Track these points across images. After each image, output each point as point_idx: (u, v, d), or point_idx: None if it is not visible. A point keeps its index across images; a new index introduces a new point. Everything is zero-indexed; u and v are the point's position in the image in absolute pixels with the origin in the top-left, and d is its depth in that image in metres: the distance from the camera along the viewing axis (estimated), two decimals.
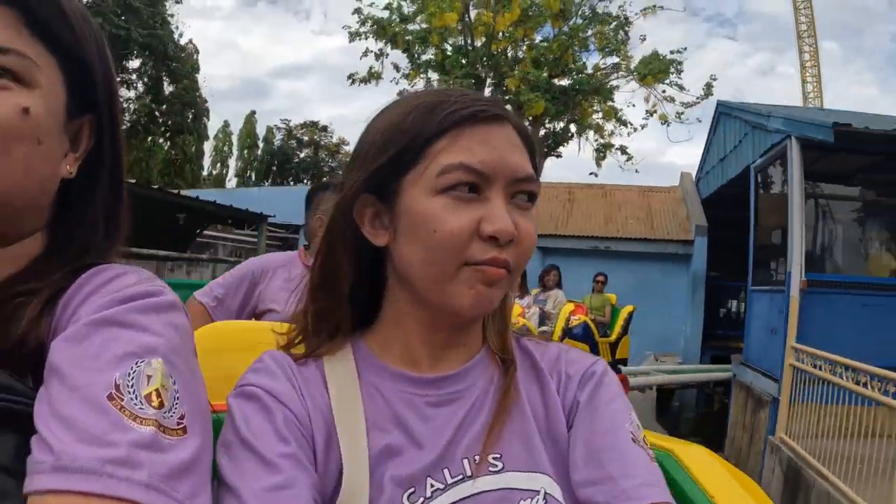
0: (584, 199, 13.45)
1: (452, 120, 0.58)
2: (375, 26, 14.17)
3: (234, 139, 25.08)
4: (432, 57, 14.43)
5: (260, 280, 1.85)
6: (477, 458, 0.59)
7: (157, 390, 0.45)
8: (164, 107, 15.56)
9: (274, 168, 24.62)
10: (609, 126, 14.58)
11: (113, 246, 0.61)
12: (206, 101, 18.37)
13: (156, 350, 0.47)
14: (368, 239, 0.62)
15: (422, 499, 0.56)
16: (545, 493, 0.57)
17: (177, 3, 16.75)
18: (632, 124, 14.21)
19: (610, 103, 14.12)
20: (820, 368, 4.55)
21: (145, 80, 15.04)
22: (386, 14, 14.04)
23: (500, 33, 13.63)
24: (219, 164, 24.16)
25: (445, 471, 0.58)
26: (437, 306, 0.60)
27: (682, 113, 13.62)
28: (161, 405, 0.44)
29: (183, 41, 17.11)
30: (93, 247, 0.58)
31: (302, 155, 24.37)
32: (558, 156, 15.03)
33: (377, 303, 0.66)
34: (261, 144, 24.82)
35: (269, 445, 0.54)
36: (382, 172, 0.59)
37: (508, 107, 0.66)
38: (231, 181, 24.26)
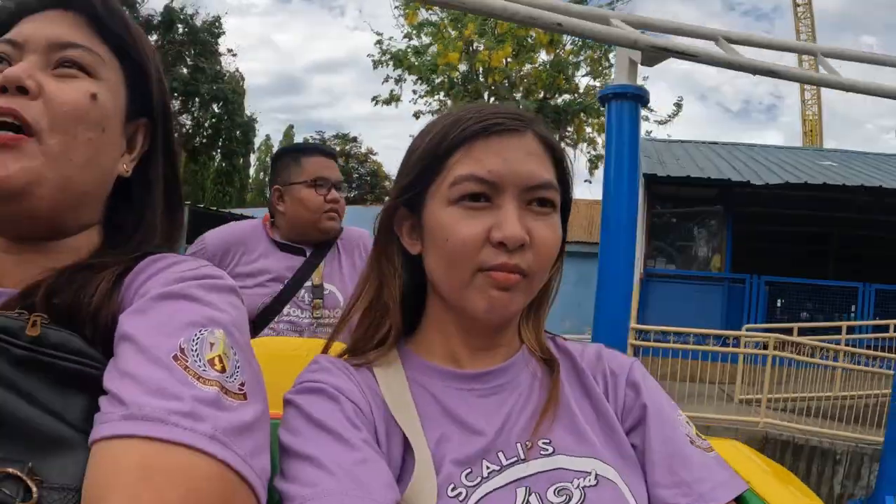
0: None
1: (465, 135, 0.60)
2: (393, 59, 16.88)
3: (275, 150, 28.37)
4: (444, 79, 17.04)
5: (220, 263, 1.62)
6: (528, 442, 0.60)
7: (219, 356, 0.46)
8: (221, 132, 18.89)
9: None
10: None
11: (172, 248, 0.62)
12: (255, 122, 21.61)
13: (219, 322, 0.49)
14: (407, 249, 0.65)
15: (479, 478, 0.57)
16: (596, 473, 0.59)
17: (233, 56, 20.08)
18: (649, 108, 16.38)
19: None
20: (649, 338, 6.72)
21: (206, 113, 18.42)
22: (403, 45, 16.65)
23: (496, 68, 16.15)
24: (261, 173, 27.37)
25: (500, 454, 0.59)
26: (460, 311, 0.63)
27: (650, 132, 15.88)
28: (223, 370, 0.46)
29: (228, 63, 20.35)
30: (151, 245, 0.60)
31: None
32: None
33: (420, 309, 0.68)
34: None
35: (345, 428, 0.55)
36: (412, 188, 0.63)
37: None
38: None
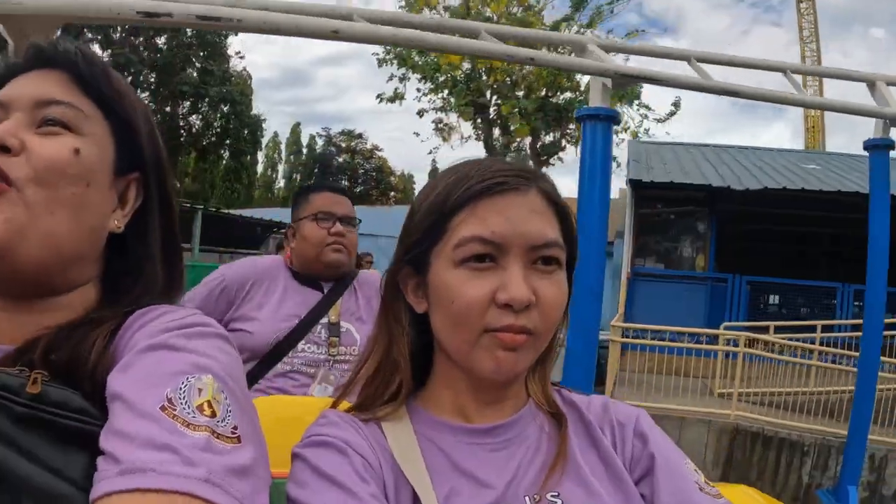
0: None
1: (468, 195, 0.60)
2: (397, 58, 17.22)
3: (283, 147, 29.05)
4: (447, 77, 17.38)
5: (236, 296, 1.65)
6: (537, 496, 0.60)
7: (208, 401, 0.46)
8: (229, 132, 19.39)
9: (316, 171, 28.10)
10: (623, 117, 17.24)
11: (171, 300, 0.62)
12: (263, 120, 22.13)
13: (206, 368, 0.48)
14: (413, 307, 0.65)
15: None
16: None
17: (240, 58, 20.56)
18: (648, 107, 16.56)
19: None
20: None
21: (214, 114, 18.90)
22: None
23: (498, 68, 16.47)
24: (269, 170, 27.90)
25: None
26: (468, 370, 0.63)
27: (648, 129, 16.13)
28: (213, 415, 0.45)
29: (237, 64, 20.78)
30: (150, 298, 0.59)
31: (341, 160, 27.74)
32: (551, 165, 17.80)
33: (427, 366, 0.68)
34: (304, 151, 28.59)
35: (353, 482, 0.55)
36: (417, 248, 0.63)
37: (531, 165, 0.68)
38: (279, 182, 28.03)
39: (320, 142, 28.51)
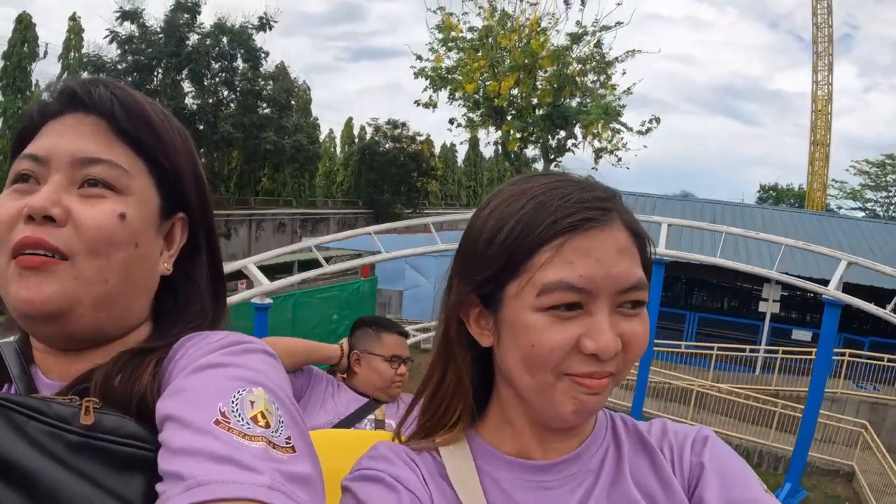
0: None
1: (553, 231, 0.56)
2: (428, 79, 21.05)
3: (337, 139, 33.62)
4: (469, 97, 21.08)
5: (315, 387, 1.90)
6: None
7: (261, 412, 0.47)
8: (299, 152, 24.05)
9: (367, 156, 32.61)
10: (605, 135, 20.63)
11: (217, 327, 0.63)
12: (318, 127, 26.50)
13: (255, 381, 0.49)
14: (475, 337, 0.63)
15: None
16: None
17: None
18: (628, 127, 19.28)
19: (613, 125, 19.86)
20: None
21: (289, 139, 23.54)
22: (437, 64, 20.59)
23: (506, 93, 20.01)
24: (327, 161, 32.47)
25: None
26: (539, 411, 0.60)
27: (626, 143, 19.41)
28: (268, 425, 0.46)
29: None
30: (198, 328, 0.61)
31: (387, 146, 32.09)
32: (559, 162, 21.37)
33: (488, 395, 0.67)
34: (356, 142, 33.03)
35: None
36: (488, 284, 0.59)
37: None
38: (339, 175, 32.61)
39: (369, 130, 32.91)
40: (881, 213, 36.26)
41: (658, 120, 19.19)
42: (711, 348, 12.84)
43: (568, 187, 0.60)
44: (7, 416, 0.45)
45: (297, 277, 5.11)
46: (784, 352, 12.78)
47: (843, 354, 12.43)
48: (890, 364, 12.60)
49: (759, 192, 46.89)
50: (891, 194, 37.57)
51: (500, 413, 0.65)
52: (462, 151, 41.99)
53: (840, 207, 39.18)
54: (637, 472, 0.64)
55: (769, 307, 13.27)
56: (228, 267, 3.92)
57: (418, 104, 21.50)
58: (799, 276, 5.70)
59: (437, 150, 34.54)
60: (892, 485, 9.44)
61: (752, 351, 13.34)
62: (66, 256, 0.53)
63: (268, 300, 4.48)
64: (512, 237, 0.58)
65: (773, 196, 44.77)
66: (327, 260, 5.21)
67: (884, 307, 4.52)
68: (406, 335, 2.08)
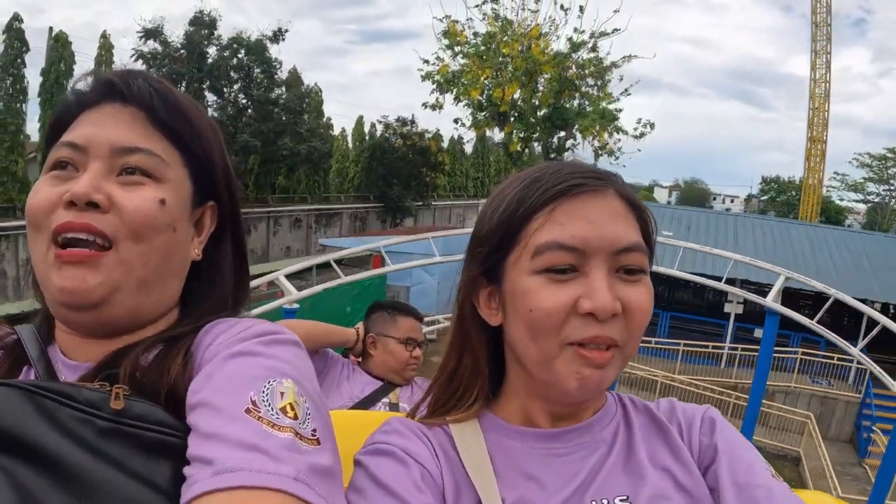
0: None
1: (544, 197, 0.58)
2: (434, 83, 22.23)
3: (349, 138, 35.00)
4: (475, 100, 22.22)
5: (332, 369, 1.94)
6: (605, 501, 0.59)
7: (290, 404, 0.48)
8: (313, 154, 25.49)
9: (377, 152, 33.98)
10: (605, 135, 21.70)
11: (239, 312, 0.66)
12: (331, 127, 27.83)
13: (286, 373, 0.51)
14: (485, 319, 0.64)
15: None
16: None
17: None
18: (624, 131, 20.15)
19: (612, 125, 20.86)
20: None
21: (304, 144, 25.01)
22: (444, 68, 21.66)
23: (510, 99, 21.17)
24: (339, 156, 33.85)
25: None
26: (546, 385, 0.61)
27: (622, 147, 20.54)
28: (296, 417, 0.48)
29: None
30: (222, 312, 0.63)
31: (396, 143, 33.44)
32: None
33: (501, 375, 0.68)
34: (367, 139, 34.42)
35: (409, 492, 0.55)
36: (490, 258, 0.62)
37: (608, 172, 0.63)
38: (350, 170, 34.09)
39: (379, 127, 34.28)
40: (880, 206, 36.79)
41: (652, 125, 20.03)
42: (678, 344, 14.38)
43: (563, 165, 0.63)
44: (37, 401, 0.46)
45: (319, 288, 6.11)
46: (743, 349, 14.55)
47: (796, 353, 13.88)
48: (840, 363, 14.10)
49: (760, 184, 47.48)
50: (892, 187, 38.19)
51: (512, 391, 0.67)
52: (470, 142, 42.91)
53: (842, 199, 39.91)
54: (650, 447, 0.64)
55: (733, 308, 15.01)
56: (262, 280, 4.86)
57: (426, 106, 22.60)
58: (758, 283, 6.47)
59: (445, 144, 35.77)
60: (826, 469, 10.88)
61: (714, 347, 15.05)
62: (110, 242, 0.55)
63: (295, 305, 5.17)
64: (508, 210, 0.61)
65: (775, 188, 45.36)
66: (340, 261, 6.04)
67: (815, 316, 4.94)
68: (421, 318, 2.12)
